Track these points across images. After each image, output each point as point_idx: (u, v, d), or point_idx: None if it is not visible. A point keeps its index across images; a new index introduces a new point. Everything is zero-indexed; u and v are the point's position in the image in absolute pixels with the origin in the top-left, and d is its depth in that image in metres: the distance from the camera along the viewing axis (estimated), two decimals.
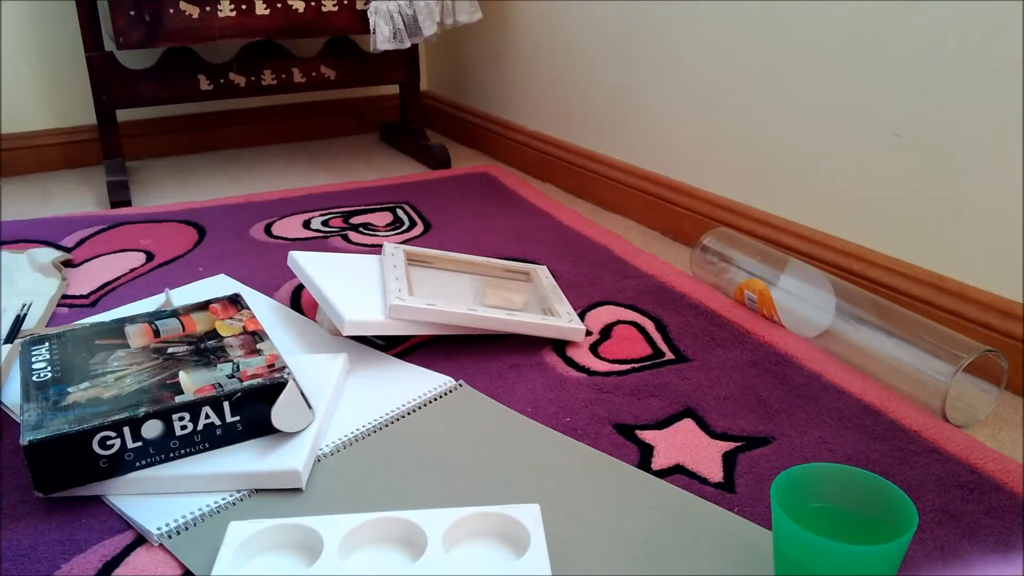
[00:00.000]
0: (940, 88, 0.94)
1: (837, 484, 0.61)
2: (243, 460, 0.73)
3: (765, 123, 1.20)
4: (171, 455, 0.73)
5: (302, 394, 0.77)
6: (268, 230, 1.41)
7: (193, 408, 0.73)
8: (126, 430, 0.70)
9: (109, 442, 0.70)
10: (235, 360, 0.80)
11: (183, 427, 0.72)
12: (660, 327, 1.04)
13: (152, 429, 0.71)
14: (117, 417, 0.70)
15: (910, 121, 0.98)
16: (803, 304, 1.00)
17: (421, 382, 0.89)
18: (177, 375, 0.77)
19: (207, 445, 0.74)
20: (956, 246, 0.96)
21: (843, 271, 1.09)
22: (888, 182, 1.03)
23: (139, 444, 0.71)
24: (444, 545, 0.62)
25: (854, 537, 0.59)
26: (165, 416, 0.71)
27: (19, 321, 1.02)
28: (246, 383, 0.75)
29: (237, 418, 0.75)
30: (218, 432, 0.74)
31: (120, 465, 0.71)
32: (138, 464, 0.71)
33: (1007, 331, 0.90)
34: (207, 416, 0.73)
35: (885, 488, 0.59)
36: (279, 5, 1.63)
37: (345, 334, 0.91)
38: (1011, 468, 0.75)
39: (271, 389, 0.75)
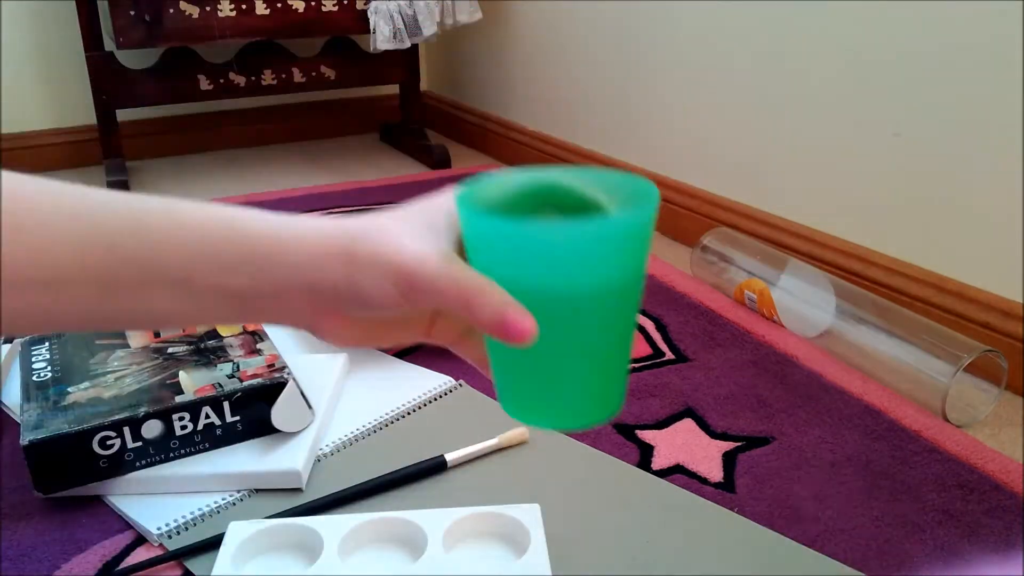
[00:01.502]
0: (940, 88, 0.94)
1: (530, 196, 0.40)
2: (243, 460, 0.73)
3: (765, 123, 1.20)
4: (171, 455, 0.73)
5: (302, 394, 0.77)
6: None
7: (193, 408, 0.72)
8: (126, 430, 0.70)
9: (109, 442, 0.70)
10: (235, 360, 0.80)
11: (183, 427, 0.72)
12: (660, 327, 1.04)
13: (152, 429, 0.71)
14: (117, 417, 0.70)
15: (910, 121, 0.98)
16: (803, 304, 0.99)
17: (421, 382, 0.89)
18: (177, 375, 0.77)
19: (207, 445, 0.74)
20: (956, 246, 0.96)
21: (843, 271, 1.09)
22: (888, 182, 1.02)
23: (139, 444, 0.71)
24: (444, 545, 0.62)
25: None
26: (165, 416, 0.71)
27: None
28: (246, 383, 0.75)
29: (237, 418, 0.74)
30: (218, 432, 0.74)
31: (120, 465, 0.71)
32: (138, 464, 0.71)
33: (1007, 331, 0.90)
34: (207, 416, 0.73)
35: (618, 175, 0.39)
36: (279, 5, 1.63)
37: None
38: (1011, 468, 0.75)
39: (271, 389, 0.75)
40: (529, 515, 0.64)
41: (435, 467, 0.74)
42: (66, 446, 0.69)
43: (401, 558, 0.63)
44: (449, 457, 0.75)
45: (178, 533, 0.67)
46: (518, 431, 0.78)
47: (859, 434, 0.81)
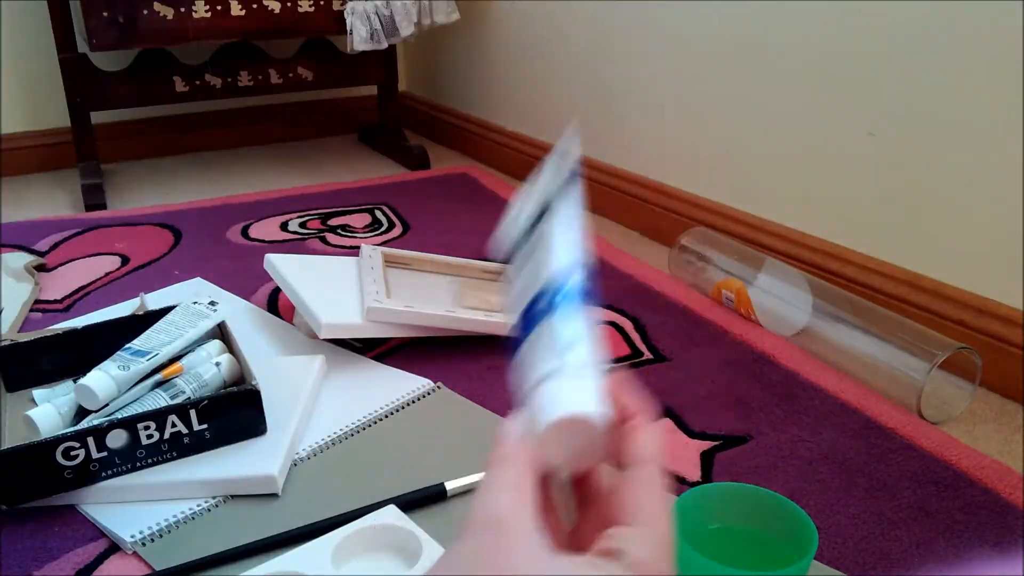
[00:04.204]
0: (914, 87, 0.95)
1: (736, 504, 0.59)
2: (218, 466, 0.73)
3: (742, 123, 1.20)
4: (138, 464, 0.72)
5: None
6: (245, 232, 1.40)
7: (159, 417, 0.71)
8: (90, 440, 0.69)
9: (73, 452, 0.68)
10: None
11: (149, 436, 0.71)
12: (639, 327, 1.04)
13: (117, 439, 0.70)
14: (81, 427, 0.69)
15: (885, 120, 0.99)
16: (780, 303, 1.00)
17: (399, 385, 0.89)
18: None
19: (175, 454, 0.73)
20: (931, 244, 0.96)
21: (820, 270, 1.09)
22: (863, 181, 1.03)
23: (104, 454, 0.70)
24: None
25: (756, 557, 0.58)
26: (130, 425, 0.70)
27: None
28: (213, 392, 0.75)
29: (205, 426, 0.73)
30: (185, 441, 0.73)
31: (86, 475, 0.70)
32: (104, 474, 0.70)
33: (981, 328, 0.90)
34: (173, 425, 0.72)
35: (784, 507, 0.58)
36: (255, 6, 1.62)
37: (322, 337, 0.91)
38: (985, 464, 0.75)
39: (239, 397, 0.74)
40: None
41: (434, 496, 0.70)
42: (29, 458, 0.67)
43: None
44: (450, 486, 0.71)
45: (152, 540, 0.66)
46: None
47: (835, 432, 0.81)
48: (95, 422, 0.70)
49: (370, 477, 0.74)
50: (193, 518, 0.69)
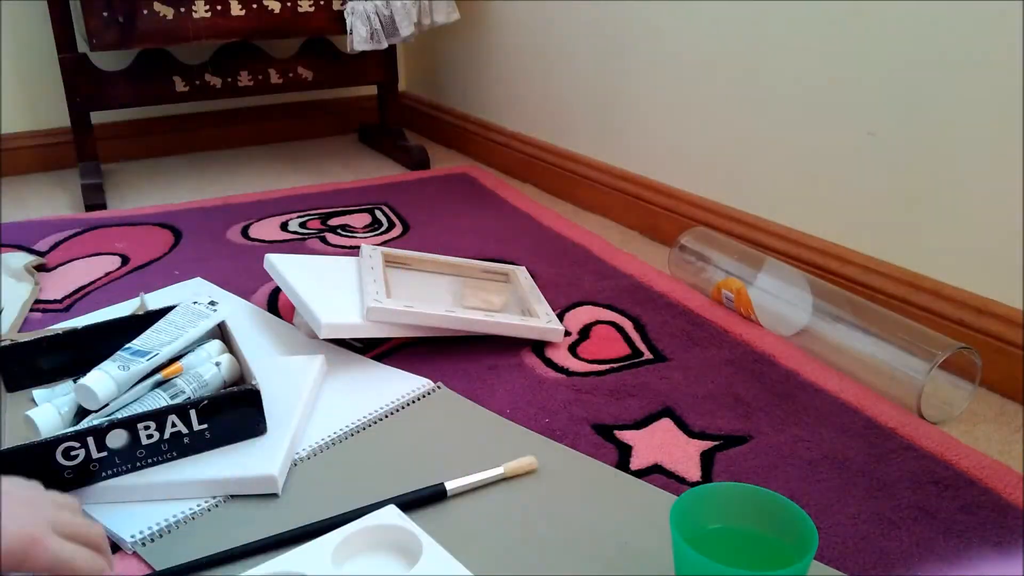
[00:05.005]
0: (915, 87, 0.95)
1: (736, 504, 0.59)
2: (218, 466, 0.72)
3: (742, 123, 1.20)
4: (138, 464, 0.71)
5: None
6: (245, 232, 1.40)
7: (159, 417, 0.71)
8: (90, 440, 0.69)
9: (73, 452, 0.68)
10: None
11: (149, 436, 0.71)
12: (639, 327, 1.04)
13: (117, 439, 0.70)
14: (81, 427, 0.69)
15: (885, 120, 0.99)
16: (780, 303, 1.00)
17: (399, 384, 0.89)
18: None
19: (175, 454, 0.73)
20: (931, 244, 0.96)
21: (820, 270, 1.09)
22: (864, 181, 1.03)
23: (104, 454, 0.70)
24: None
25: (756, 557, 0.58)
26: (130, 425, 0.70)
27: None
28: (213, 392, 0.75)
29: (205, 426, 0.73)
30: (186, 441, 0.73)
31: (86, 475, 0.70)
32: (104, 474, 0.70)
33: (981, 328, 0.90)
34: (173, 425, 0.72)
35: (784, 506, 0.58)
36: (254, 6, 1.62)
37: (322, 337, 0.91)
38: (985, 464, 0.75)
39: (239, 397, 0.74)
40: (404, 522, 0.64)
41: (434, 496, 0.70)
42: (29, 458, 0.67)
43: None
44: (450, 486, 0.71)
45: (152, 541, 0.66)
46: (526, 460, 0.74)
47: (835, 432, 0.81)
48: (95, 422, 0.70)
49: (370, 477, 0.74)
50: (193, 518, 0.69)
